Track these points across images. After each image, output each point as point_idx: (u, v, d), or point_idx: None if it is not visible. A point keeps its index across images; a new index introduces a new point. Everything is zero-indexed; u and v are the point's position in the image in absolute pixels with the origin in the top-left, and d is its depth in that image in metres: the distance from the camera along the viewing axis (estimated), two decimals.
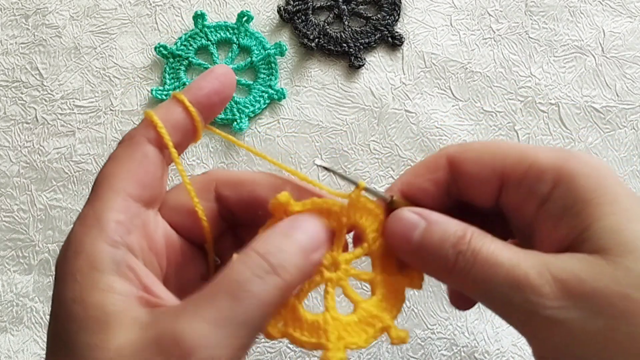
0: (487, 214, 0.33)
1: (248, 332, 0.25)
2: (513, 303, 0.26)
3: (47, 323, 0.28)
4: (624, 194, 0.27)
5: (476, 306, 0.46)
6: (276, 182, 0.31)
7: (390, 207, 0.31)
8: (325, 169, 0.30)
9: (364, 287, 0.47)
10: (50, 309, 0.27)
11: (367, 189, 0.30)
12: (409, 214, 0.29)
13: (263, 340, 0.46)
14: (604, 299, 0.25)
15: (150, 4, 0.57)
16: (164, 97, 0.53)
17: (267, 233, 0.28)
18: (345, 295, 0.30)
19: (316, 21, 0.55)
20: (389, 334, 0.28)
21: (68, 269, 0.26)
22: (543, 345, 0.27)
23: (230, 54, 0.55)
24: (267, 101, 0.53)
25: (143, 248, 0.28)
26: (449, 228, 0.28)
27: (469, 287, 0.28)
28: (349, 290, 0.30)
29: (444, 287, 0.46)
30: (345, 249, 0.31)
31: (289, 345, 0.46)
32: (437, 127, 0.52)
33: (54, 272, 0.27)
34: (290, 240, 0.27)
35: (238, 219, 0.32)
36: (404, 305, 0.47)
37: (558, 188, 0.28)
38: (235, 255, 0.27)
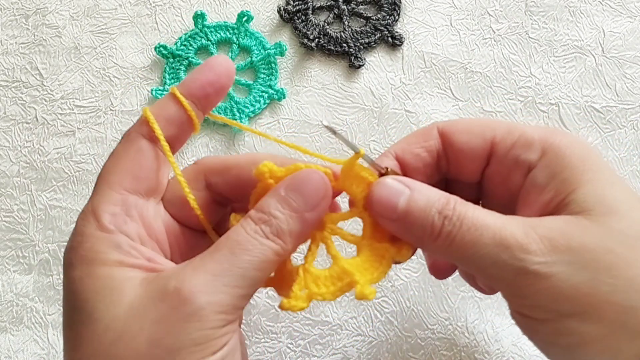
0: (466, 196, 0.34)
1: (245, 283, 0.27)
2: (500, 262, 0.27)
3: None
4: (604, 164, 0.30)
5: (476, 306, 0.46)
6: (258, 160, 0.32)
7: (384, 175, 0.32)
8: (331, 131, 0.30)
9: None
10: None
11: (365, 158, 0.31)
12: (393, 182, 0.30)
13: (263, 340, 0.46)
14: (590, 253, 0.27)
15: (150, 4, 0.57)
16: None
17: (265, 197, 0.29)
18: (327, 251, 0.31)
19: (316, 21, 0.55)
20: (355, 290, 0.29)
21: (74, 256, 0.28)
22: (527, 302, 0.28)
23: (230, 54, 0.55)
24: (267, 101, 0.53)
25: (141, 235, 0.29)
26: (433, 195, 0.29)
27: (454, 251, 0.28)
28: (331, 248, 0.31)
29: (444, 287, 0.46)
30: (335, 211, 0.32)
31: (289, 345, 0.46)
32: None
33: (62, 263, 0.29)
34: (284, 205, 0.29)
35: (232, 201, 0.34)
36: (404, 305, 0.47)
37: (546, 156, 0.30)
38: (232, 215, 0.30)
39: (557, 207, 0.29)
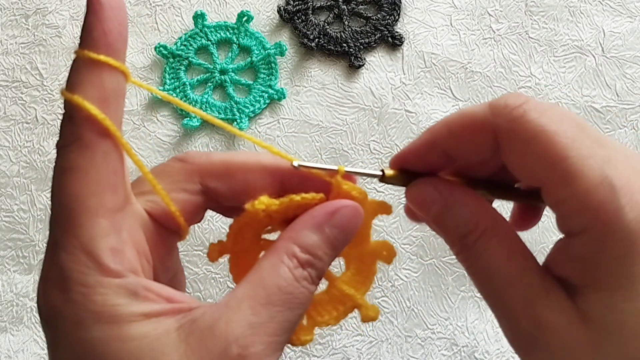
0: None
1: (289, 337, 0.26)
2: (511, 301, 0.26)
3: None
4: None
5: (476, 306, 0.46)
6: (268, 164, 0.28)
7: (384, 180, 0.29)
8: (304, 167, 0.28)
9: None
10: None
11: (350, 172, 0.28)
12: (430, 189, 0.28)
13: None
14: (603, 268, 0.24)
15: (150, 4, 0.57)
16: None
17: (308, 232, 0.26)
18: None
19: (316, 21, 0.55)
20: (359, 312, 0.29)
21: (83, 314, 0.23)
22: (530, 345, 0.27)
23: (230, 54, 0.55)
24: (267, 101, 0.53)
25: (138, 260, 0.25)
26: (463, 216, 0.27)
27: (469, 273, 0.28)
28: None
29: (444, 287, 0.46)
30: None
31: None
32: None
33: (58, 319, 0.24)
34: (329, 245, 0.27)
35: (231, 207, 0.29)
36: (404, 305, 0.47)
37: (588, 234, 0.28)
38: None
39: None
